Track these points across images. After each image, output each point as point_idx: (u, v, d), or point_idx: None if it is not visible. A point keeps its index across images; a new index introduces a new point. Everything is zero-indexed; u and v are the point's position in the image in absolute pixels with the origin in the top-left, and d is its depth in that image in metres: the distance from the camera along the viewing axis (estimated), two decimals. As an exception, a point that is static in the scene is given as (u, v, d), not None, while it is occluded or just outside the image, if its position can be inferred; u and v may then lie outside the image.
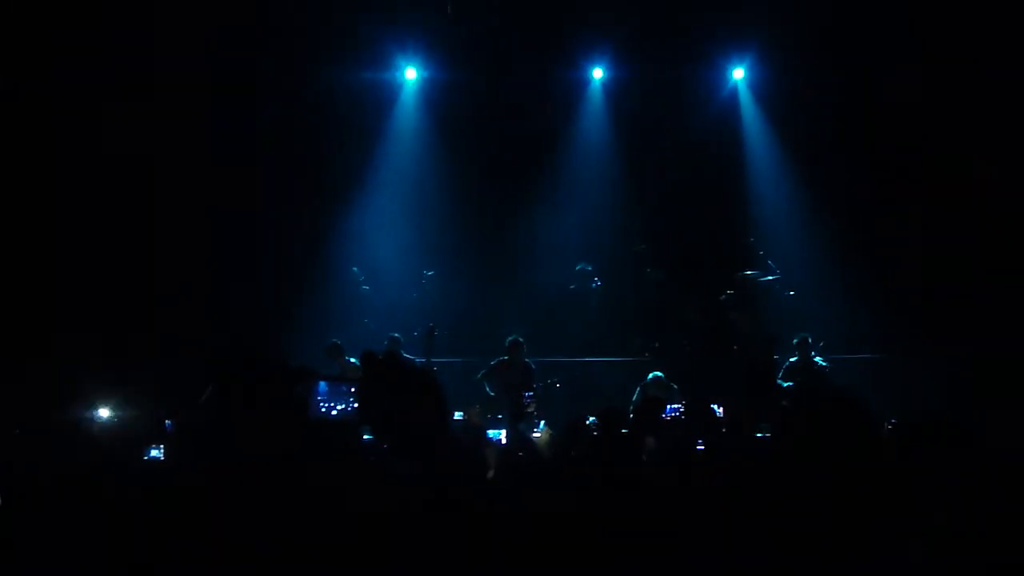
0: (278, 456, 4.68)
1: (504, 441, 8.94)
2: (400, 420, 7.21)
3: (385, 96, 14.70)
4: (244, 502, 4.20)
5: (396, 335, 12.32)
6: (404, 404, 7.39)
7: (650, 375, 11.14)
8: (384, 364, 8.40)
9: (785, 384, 11.48)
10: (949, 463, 3.35)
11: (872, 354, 12.63)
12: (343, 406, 8.54)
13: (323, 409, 8.52)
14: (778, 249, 13.84)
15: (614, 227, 14.33)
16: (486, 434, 8.89)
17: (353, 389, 8.61)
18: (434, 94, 14.70)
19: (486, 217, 14.32)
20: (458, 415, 10.58)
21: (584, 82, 14.84)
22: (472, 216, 14.27)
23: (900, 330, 12.65)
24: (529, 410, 9.01)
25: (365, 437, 8.05)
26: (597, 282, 13.95)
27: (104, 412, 9.26)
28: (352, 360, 11.38)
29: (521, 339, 11.80)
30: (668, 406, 8.85)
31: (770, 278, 13.59)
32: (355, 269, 13.88)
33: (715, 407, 8.22)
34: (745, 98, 14.76)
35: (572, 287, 13.87)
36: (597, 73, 14.79)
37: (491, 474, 6.36)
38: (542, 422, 9.96)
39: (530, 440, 8.57)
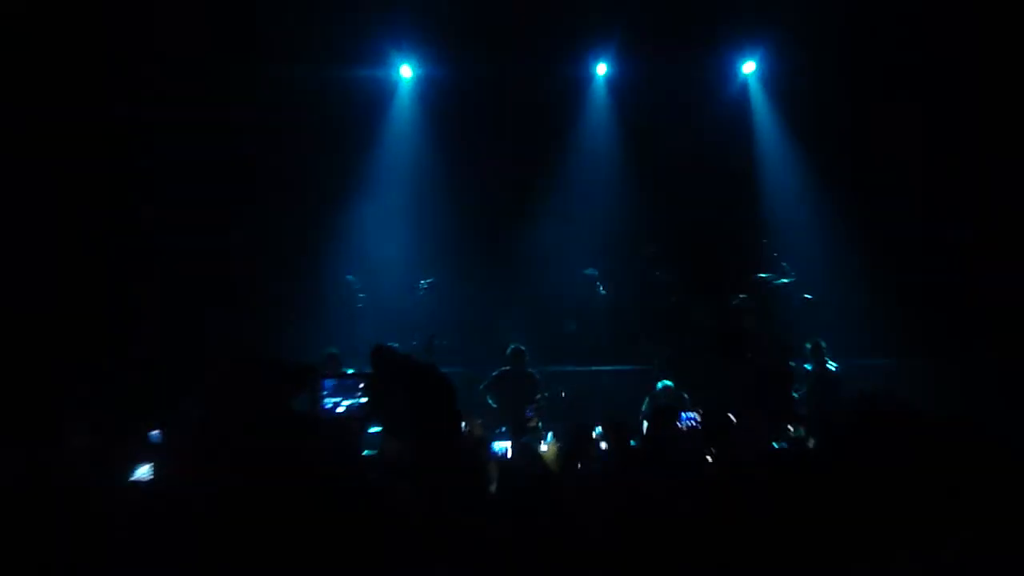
0: (275, 466, 4.62)
1: (509, 455, 8.88)
2: (414, 419, 7.18)
3: (379, 95, 14.71)
4: (241, 518, 4.14)
5: (394, 345, 12.24)
6: (420, 402, 7.37)
7: (659, 384, 11.16)
8: (400, 360, 8.37)
9: (795, 395, 11.46)
10: (980, 469, 3.30)
11: (890, 358, 12.60)
12: (350, 401, 8.56)
13: (328, 405, 8.53)
14: (793, 250, 13.85)
15: (621, 229, 14.34)
16: (490, 447, 8.84)
17: (362, 385, 8.60)
18: (431, 93, 14.71)
19: (487, 220, 14.32)
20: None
21: (587, 79, 14.87)
22: (472, 219, 14.26)
23: (921, 333, 12.64)
24: (531, 424, 8.95)
25: (372, 430, 8.05)
26: (602, 288, 13.90)
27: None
28: (349, 372, 11.29)
29: (523, 347, 11.80)
30: (683, 414, 8.81)
31: (785, 281, 13.59)
32: (350, 278, 13.88)
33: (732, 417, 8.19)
34: (756, 93, 14.82)
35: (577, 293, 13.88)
36: (601, 69, 14.79)
37: (493, 488, 6.31)
38: (550, 434, 9.92)
39: (537, 454, 8.52)
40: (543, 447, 9.32)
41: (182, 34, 12.79)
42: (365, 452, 7.77)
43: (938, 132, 13.64)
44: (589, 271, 14.08)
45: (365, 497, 4.34)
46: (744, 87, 14.88)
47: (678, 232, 14.28)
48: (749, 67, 14.77)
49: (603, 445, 7.66)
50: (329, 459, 4.65)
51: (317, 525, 4.02)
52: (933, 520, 3.18)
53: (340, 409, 8.62)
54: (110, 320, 12.28)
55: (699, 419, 9.11)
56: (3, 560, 4.14)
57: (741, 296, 13.42)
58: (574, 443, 7.19)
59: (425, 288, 13.98)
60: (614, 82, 14.84)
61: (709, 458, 6.69)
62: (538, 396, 11.45)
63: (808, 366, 11.81)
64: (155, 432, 9.28)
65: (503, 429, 10.48)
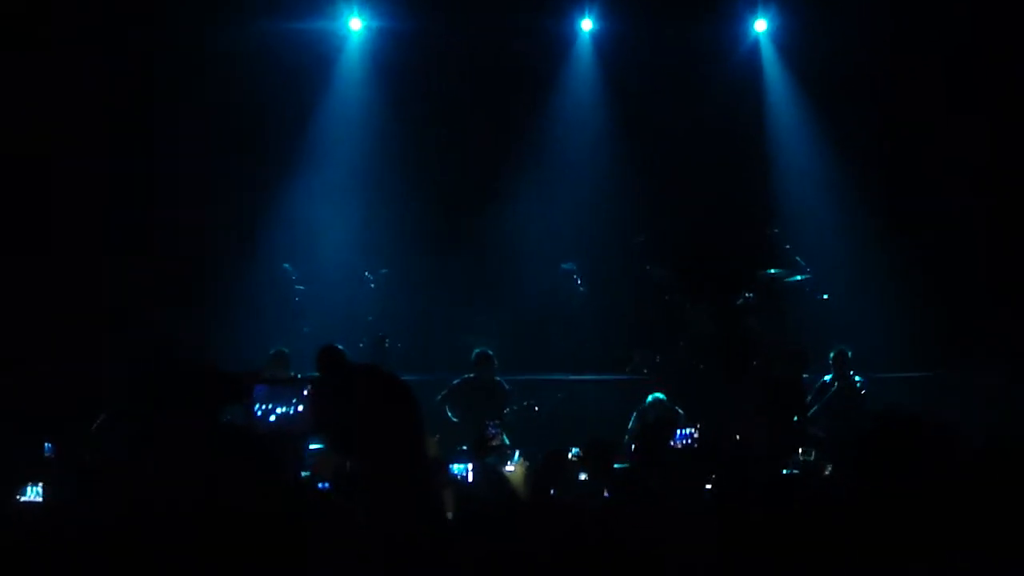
0: (195, 489, 4.55)
1: (470, 478, 8.80)
2: (368, 435, 7.08)
3: (324, 52, 14.56)
4: (148, 553, 4.07)
5: (339, 347, 12.15)
6: (376, 415, 7.30)
7: (649, 397, 11.16)
8: (353, 365, 8.32)
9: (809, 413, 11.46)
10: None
11: (920, 372, 12.67)
12: (284, 409, 8.46)
13: (259, 415, 8.44)
14: (809, 242, 13.79)
15: (606, 215, 14.24)
16: (448, 469, 8.74)
17: (305, 392, 8.53)
18: (385, 49, 14.55)
19: (449, 201, 14.23)
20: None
21: (570, 35, 14.77)
22: (433, 199, 14.18)
23: (953, 343, 12.69)
24: (493, 443, 8.89)
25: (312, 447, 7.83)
26: (581, 285, 13.87)
27: None
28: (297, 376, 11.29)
29: (491, 352, 11.77)
30: (678, 431, 8.80)
31: (799, 278, 13.53)
32: (287, 266, 13.81)
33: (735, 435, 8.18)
34: (769, 56, 14.79)
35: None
36: (586, 24, 14.74)
37: (449, 516, 6.20)
38: (517, 453, 9.87)
39: (502, 476, 8.44)
40: (509, 467, 9.24)
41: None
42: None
43: (975, 99, 13.62)
44: (567, 265, 14.01)
45: (294, 526, 4.28)
46: (755, 48, 14.86)
47: (674, 219, 14.18)
48: (760, 25, 14.73)
49: (581, 472, 7.58)
50: (256, 480, 4.58)
51: (233, 554, 3.97)
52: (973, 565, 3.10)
53: (271, 419, 8.51)
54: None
55: (696, 438, 9.06)
56: None
57: (747, 295, 13.39)
58: (546, 466, 7.08)
59: (376, 280, 13.85)
60: (601, 40, 14.75)
61: (708, 486, 6.62)
62: (506, 410, 11.41)
63: (827, 378, 11.82)
64: (48, 445, 9.18)
65: (463, 448, 10.41)
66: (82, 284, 12.82)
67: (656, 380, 12.31)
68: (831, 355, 11.87)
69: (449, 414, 11.53)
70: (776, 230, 13.94)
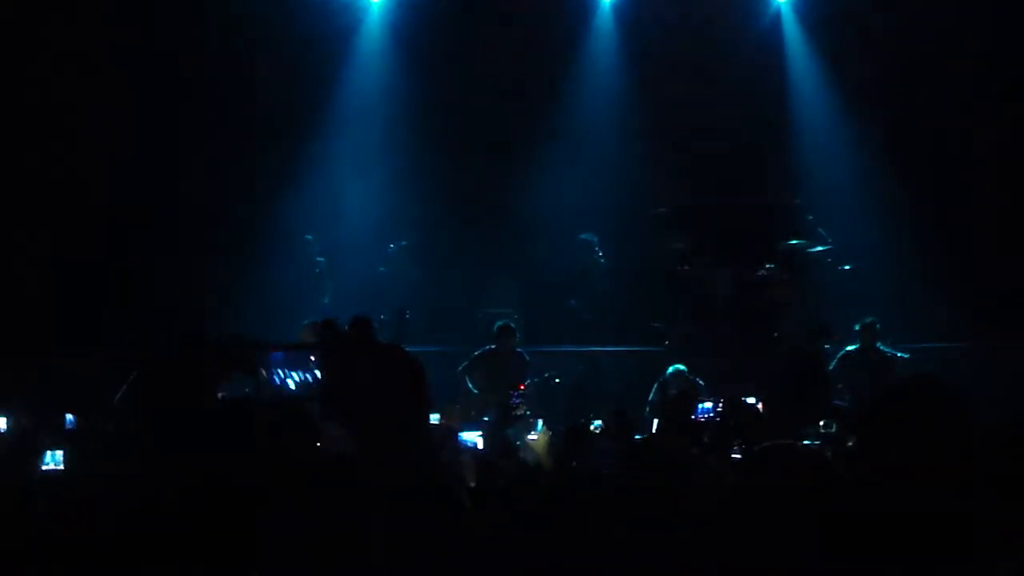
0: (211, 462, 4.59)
1: (481, 447, 8.82)
2: (373, 406, 7.18)
3: (345, 23, 14.52)
4: (166, 522, 4.11)
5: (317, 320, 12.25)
6: (383, 387, 7.39)
7: (670, 369, 11.16)
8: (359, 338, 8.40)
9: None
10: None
11: (944, 343, 12.60)
12: (302, 375, 8.54)
13: (278, 381, 8.52)
14: (831, 213, 13.73)
15: (627, 186, 14.16)
16: (458, 438, 8.75)
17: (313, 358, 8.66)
18: (406, 20, 14.52)
19: (470, 172, 14.24)
20: (434, 418, 10.48)
21: (591, 5, 14.71)
22: (453, 170, 14.17)
23: (980, 314, 12.61)
24: (517, 412, 8.91)
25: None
26: (602, 256, 13.88)
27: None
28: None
29: (513, 324, 11.78)
30: (699, 405, 8.80)
31: (821, 249, 13.48)
32: (309, 237, 13.79)
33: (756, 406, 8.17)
34: (791, 26, 14.69)
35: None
36: (607, -7, 14.68)
37: (468, 494, 6.21)
38: (540, 422, 9.90)
39: (514, 447, 8.48)
40: (532, 436, 9.28)
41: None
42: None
43: (1005, 70, 13.53)
44: (586, 235, 13.97)
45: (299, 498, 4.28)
46: (776, 16, 14.75)
47: (695, 189, 14.18)
48: (782, -6, 14.63)
49: (603, 443, 7.60)
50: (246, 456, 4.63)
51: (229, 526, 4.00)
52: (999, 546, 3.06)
53: (290, 385, 8.59)
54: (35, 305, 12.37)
55: (718, 411, 9.06)
56: None
57: (768, 266, 13.35)
58: (569, 437, 7.11)
59: (397, 252, 13.85)
60: (622, 7, 14.70)
61: (736, 456, 6.63)
62: (527, 381, 11.40)
63: (850, 348, 11.79)
64: (70, 417, 9.31)
65: (485, 418, 10.46)
66: (100, 258, 12.96)
67: (676, 350, 12.33)
68: (857, 326, 11.83)
69: (470, 385, 11.57)
70: (798, 201, 13.90)
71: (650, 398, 11.25)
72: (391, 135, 14.37)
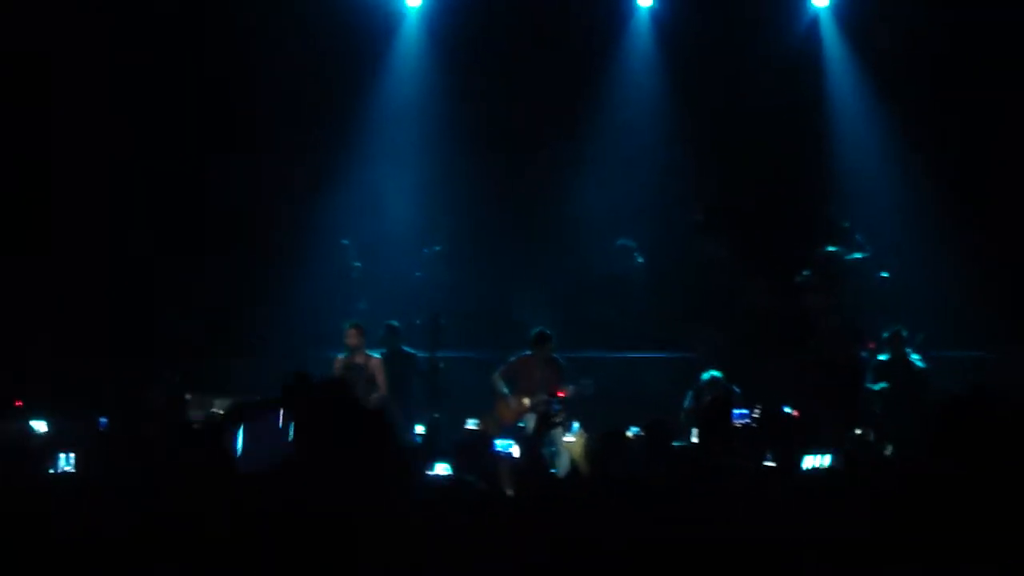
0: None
1: (517, 455, 8.84)
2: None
3: (382, 27, 14.56)
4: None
5: (394, 323, 12.29)
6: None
7: (705, 375, 11.23)
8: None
9: (876, 388, 11.40)
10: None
11: (983, 351, 12.52)
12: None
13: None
14: (868, 220, 13.66)
15: (664, 192, 14.20)
16: (492, 445, 8.76)
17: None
18: (443, 24, 14.55)
19: (505, 178, 14.25)
20: (471, 423, 10.54)
21: (628, 10, 14.71)
22: (488, 176, 14.18)
23: (1019, 321, 12.53)
24: (557, 420, 8.96)
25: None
26: (640, 259, 13.88)
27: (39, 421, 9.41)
28: (407, 349, 12.12)
29: (549, 331, 11.78)
30: (735, 411, 8.78)
31: (858, 256, 13.42)
32: (345, 242, 13.86)
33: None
34: (829, 32, 14.62)
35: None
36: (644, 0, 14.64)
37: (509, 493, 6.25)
38: (576, 424, 9.90)
39: (543, 457, 8.50)
40: (569, 438, 9.29)
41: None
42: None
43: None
44: (625, 240, 13.97)
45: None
46: (814, 24, 14.68)
47: (732, 196, 14.15)
48: (821, 1, 14.54)
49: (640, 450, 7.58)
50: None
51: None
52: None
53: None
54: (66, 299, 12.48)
55: (755, 418, 9.06)
56: None
57: (805, 273, 13.32)
58: (606, 443, 7.11)
59: (432, 256, 13.89)
60: (659, 15, 14.65)
61: (770, 464, 6.63)
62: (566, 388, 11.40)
63: (883, 357, 11.70)
64: (103, 419, 9.42)
65: (521, 424, 10.51)
66: (138, 259, 13.11)
67: (711, 357, 12.32)
68: (885, 335, 11.77)
69: (504, 390, 11.53)
70: (835, 208, 13.83)
71: (685, 404, 11.26)
72: (427, 140, 14.39)
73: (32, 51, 12.94)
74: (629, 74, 14.69)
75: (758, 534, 4.22)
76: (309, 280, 13.30)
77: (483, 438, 8.98)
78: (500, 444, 8.96)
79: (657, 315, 13.63)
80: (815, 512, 4.36)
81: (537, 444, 9.13)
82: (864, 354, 11.81)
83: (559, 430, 9.64)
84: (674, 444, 8.04)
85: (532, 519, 5.24)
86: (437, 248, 13.97)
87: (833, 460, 7.59)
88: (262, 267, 13.43)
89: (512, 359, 11.74)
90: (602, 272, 13.87)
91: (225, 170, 13.69)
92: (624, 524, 4.92)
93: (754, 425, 8.81)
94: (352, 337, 11.59)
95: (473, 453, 7.84)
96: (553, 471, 9.03)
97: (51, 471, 7.49)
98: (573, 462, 8.01)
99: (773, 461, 6.99)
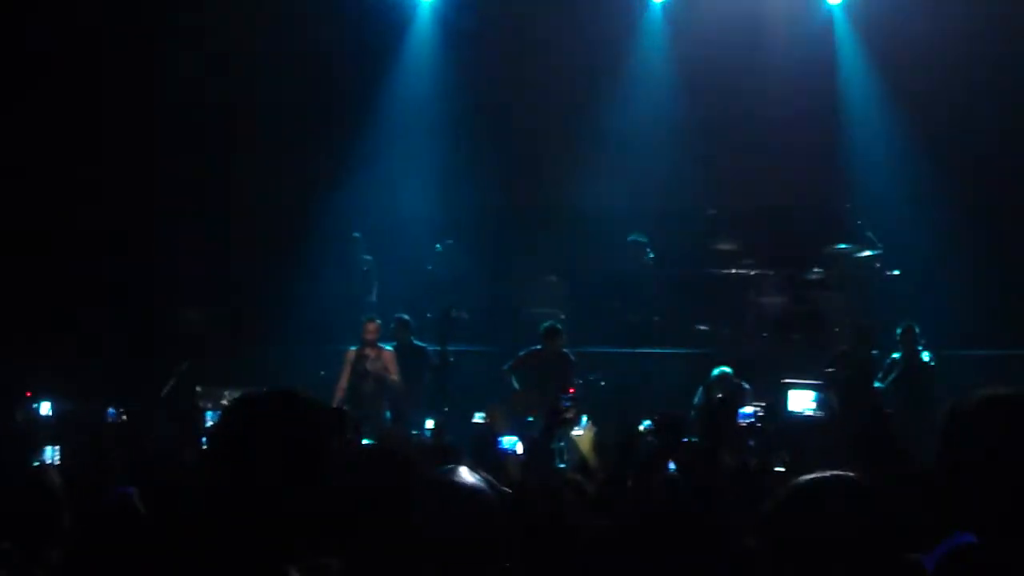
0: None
1: (520, 452, 8.83)
2: None
3: (395, 21, 14.65)
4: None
5: (405, 317, 12.32)
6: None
7: (715, 371, 11.15)
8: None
9: (886, 384, 11.42)
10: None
11: (995, 350, 12.48)
12: None
13: None
14: (881, 218, 13.63)
15: (676, 188, 14.21)
16: (498, 442, 8.76)
17: None
18: (456, 19, 14.62)
19: (517, 171, 14.32)
20: (479, 416, 10.56)
21: (641, 5, 14.74)
22: (501, 172, 14.26)
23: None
24: (568, 416, 8.95)
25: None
26: (651, 255, 13.89)
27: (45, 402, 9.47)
28: (417, 343, 12.09)
29: (559, 325, 11.79)
30: (740, 410, 8.79)
31: (870, 253, 13.40)
32: (357, 235, 13.87)
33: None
34: (843, 29, 14.62)
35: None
36: (657, -7, 14.69)
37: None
38: (584, 418, 9.90)
39: (551, 453, 8.50)
40: (577, 431, 9.29)
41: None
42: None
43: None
44: (637, 236, 13.99)
45: None
46: (829, 21, 14.70)
47: (743, 192, 14.15)
48: (834, -2, 14.57)
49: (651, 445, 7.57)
50: None
51: None
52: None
53: None
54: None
55: (759, 416, 9.04)
56: None
57: (816, 270, 13.32)
58: (620, 447, 7.10)
59: (444, 251, 13.92)
60: (672, 9, 14.72)
61: (780, 468, 6.62)
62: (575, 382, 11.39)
63: (896, 355, 11.71)
64: (111, 411, 9.47)
65: (530, 419, 10.50)
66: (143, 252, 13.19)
67: (722, 353, 12.32)
68: (898, 331, 11.73)
69: (515, 384, 11.59)
70: (848, 205, 13.82)
71: (695, 401, 11.25)
72: (440, 134, 14.46)
73: (43, 51, 13.02)
74: (643, 69, 14.71)
75: (758, 534, 4.21)
76: (320, 273, 13.35)
77: (490, 433, 9.01)
78: (506, 442, 8.99)
79: (668, 311, 13.60)
80: (822, 514, 4.34)
81: (547, 441, 9.12)
82: (874, 352, 11.78)
83: (571, 426, 9.63)
84: (684, 440, 8.06)
85: (534, 517, 5.24)
86: (450, 242, 13.98)
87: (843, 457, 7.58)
88: (273, 260, 13.46)
89: (522, 353, 11.77)
90: (613, 267, 13.86)
91: (236, 164, 13.75)
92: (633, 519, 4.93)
93: (759, 425, 8.80)
94: (371, 332, 11.67)
95: (480, 448, 7.88)
96: (561, 465, 9.03)
97: (35, 463, 7.50)
98: (582, 456, 8.00)
99: (783, 467, 6.97)
